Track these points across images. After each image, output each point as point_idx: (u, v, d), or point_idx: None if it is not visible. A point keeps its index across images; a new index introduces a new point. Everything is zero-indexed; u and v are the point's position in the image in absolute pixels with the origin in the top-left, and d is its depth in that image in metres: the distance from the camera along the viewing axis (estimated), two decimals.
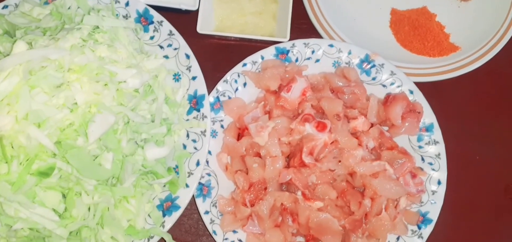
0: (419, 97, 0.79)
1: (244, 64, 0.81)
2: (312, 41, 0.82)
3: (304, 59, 0.82)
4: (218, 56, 0.86)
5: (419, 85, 0.80)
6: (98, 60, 0.70)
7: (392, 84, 0.80)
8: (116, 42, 0.73)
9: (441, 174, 0.75)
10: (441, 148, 0.76)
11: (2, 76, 0.63)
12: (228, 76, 0.80)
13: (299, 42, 0.81)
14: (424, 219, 0.73)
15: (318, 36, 0.86)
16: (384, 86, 0.81)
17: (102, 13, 0.74)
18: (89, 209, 0.69)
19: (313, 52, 0.82)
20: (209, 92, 0.78)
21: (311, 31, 0.88)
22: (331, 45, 0.82)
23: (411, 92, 0.79)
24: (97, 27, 0.73)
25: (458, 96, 0.84)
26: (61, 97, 0.66)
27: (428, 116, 0.78)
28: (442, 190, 0.75)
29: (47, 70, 0.66)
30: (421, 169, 0.76)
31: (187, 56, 0.79)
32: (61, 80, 0.67)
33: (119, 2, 0.81)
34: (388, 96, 0.79)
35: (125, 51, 0.74)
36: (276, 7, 0.87)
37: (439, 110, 0.79)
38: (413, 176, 0.73)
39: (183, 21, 0.84)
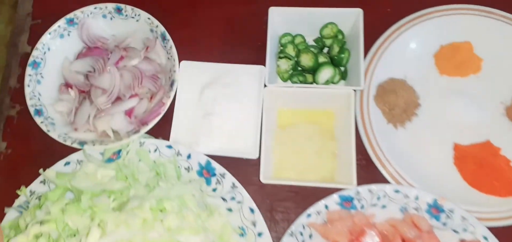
0: None
1: (308, 215, 0.79)
2: (377, 187, 0.80)
3: (370, 205, 0.80)
4: (281, 204, 0.84)
5: (493, 230, 0.76)
6: (167, 231, 0.69)
7: (464, 230, 0.77)
8: (184, 209, 0.72)
9: None
10: None
11: None
12: (293, 227, 0.78)
13: (363, 189, 0.79)
14: None
15: (377, 172, 0.84)
16: (456, 232, 0.77)
17: (172, 182, 0.73)
18: None
19: (378, 198, 0.80)
20: None
21: (370, 166, 0.85)
22: (397, 191, 0.79)
23: (485, 238, 0.76)
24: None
25: None
26: None
27: None
28: None
29: None
30: None
31: (252, 211, 0.78)
32: None
33: (181, 155, 0.81)
34: None
35: (192, 215, 0.73)
36: (334, 145, 0.86)
37: None
38: None
39: (244, 167, 0.84)
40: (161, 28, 0.82)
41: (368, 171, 0.85)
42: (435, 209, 0.78)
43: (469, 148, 0.86)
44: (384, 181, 0.84)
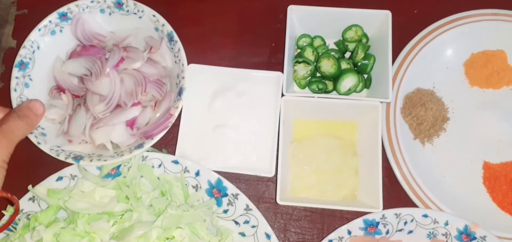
0: None
1: (330, 241, 0.72)
2: (404, 211, 0.73)
3: (396, 231, 0.73)
4: (296, 223, 0.77)
5: None
6: None
7: None
8: (194, 237, 0.64)
9: None
10: None
11: None
12: None
13: (389, 213, 0.73)
14: None
15: (401, 191, 0.78)
16: None
17: (183, 208, 0.65)
18: None
19: (405, 223, 0.73)
20: None
21: (394, 185, 0.79)
22: (425, 215, 0.73)
23: None
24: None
25: None
26: None
27: None
28: None
29: None
30: None
31: (268, 236, 0.70)
32: None
33: (188, 171, 0.72)
34: None
35: None
36: (357, 161, 0.78)
37: None
38: None
39: (254, 182, 0.77)
40: (168, 28, 0.72)
41: (391, 191, 0.79)
42: (466, 236, 0.72)
43: (500, 167, 0.80)
44: (408, 201, 0.78)
